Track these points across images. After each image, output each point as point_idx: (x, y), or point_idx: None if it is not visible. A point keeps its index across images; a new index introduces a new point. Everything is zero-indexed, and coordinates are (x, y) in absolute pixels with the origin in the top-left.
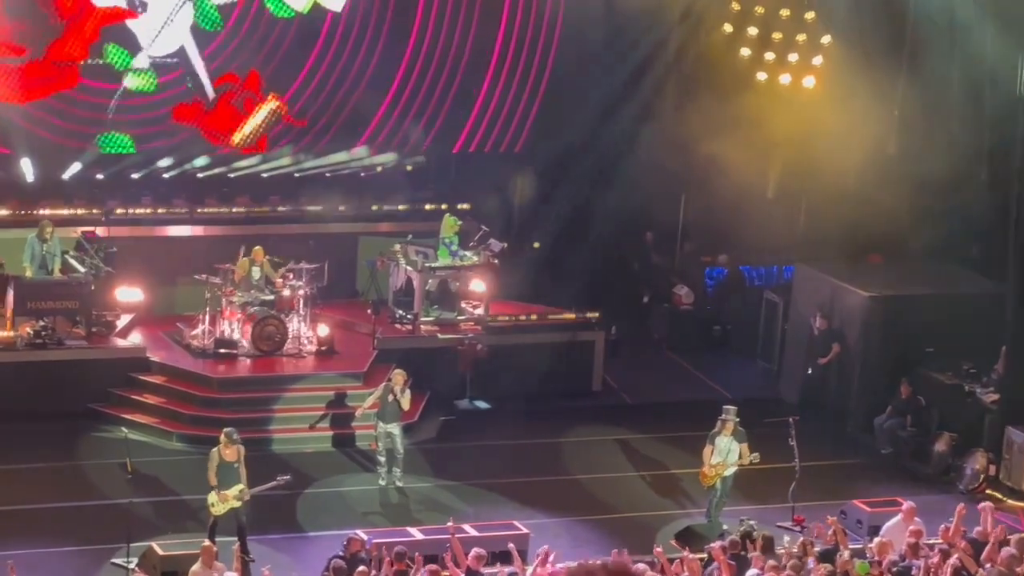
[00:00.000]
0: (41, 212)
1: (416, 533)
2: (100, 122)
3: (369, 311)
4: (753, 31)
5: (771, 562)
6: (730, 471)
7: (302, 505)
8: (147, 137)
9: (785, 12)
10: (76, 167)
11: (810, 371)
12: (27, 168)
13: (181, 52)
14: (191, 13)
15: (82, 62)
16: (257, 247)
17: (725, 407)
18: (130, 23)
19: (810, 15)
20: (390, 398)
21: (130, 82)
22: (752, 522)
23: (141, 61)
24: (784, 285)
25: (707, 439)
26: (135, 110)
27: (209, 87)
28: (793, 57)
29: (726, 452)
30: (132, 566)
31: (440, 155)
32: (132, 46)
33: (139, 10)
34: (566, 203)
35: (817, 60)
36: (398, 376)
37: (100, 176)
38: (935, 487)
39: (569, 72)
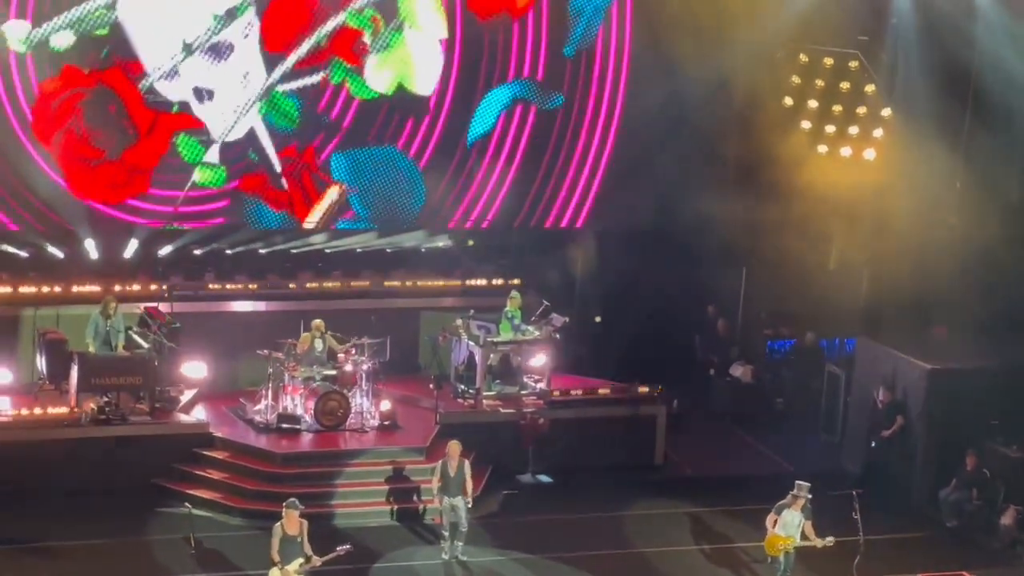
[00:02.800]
0: (105, 288)
1: None
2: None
3: (431, 386)
4: (813, 104)
5: None
6: (795, 545)
7: None
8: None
9: (845, 85)
10: (135, 244)
11: (874, 444)
12: (91, 246)
13: (250, 134)
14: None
15: (154, 168)
16: (317, 320)
17: (798, 483)
18: (202, 115)
19: (870, 88)
20: (451, 472)
21: (199, 176)
22: None
23: (212, 156)
24: (846, 358)
25: (774, 509)
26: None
27: (277, 162)
28: (854, 130)
29: (793, 526)
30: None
31: (502, 230)
32: (202, 135)
33: (205, 100)
34: (627, 277)
35: (878, 132)
36: (453, 447)
37: (163, 253)
38: (1001, 561)
39: (631, 146)
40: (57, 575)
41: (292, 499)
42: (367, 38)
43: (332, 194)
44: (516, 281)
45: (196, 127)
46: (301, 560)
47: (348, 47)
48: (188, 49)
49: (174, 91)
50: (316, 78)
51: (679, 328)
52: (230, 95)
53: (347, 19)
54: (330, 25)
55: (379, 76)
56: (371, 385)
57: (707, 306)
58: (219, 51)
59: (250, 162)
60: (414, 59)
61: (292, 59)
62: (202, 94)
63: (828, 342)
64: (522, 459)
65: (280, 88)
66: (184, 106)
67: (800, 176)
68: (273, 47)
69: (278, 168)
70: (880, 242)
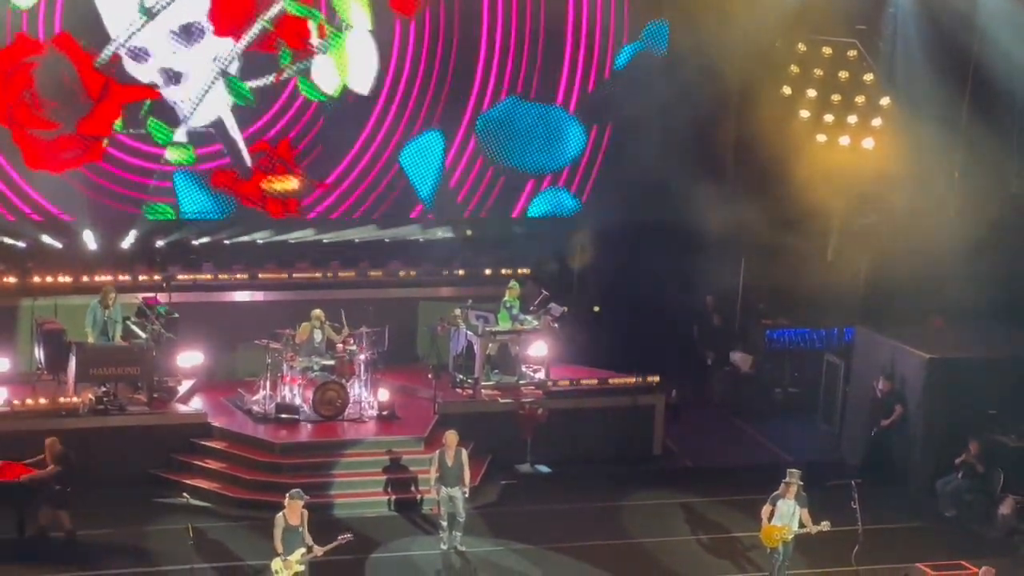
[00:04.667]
0: (103, 279)
1: None
2: (145, 190)
3: (430, 376)
4: (812, 93)
5: None
6: (792, 534)
7: (365, 570)
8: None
9: (844, 74)
10: (133, 234)
11: (873, 433)
12: (89, 237)
13: (218, 123)
14: (225, 90)
15: (106, 138)
16: (316, 310)
17: (789, 470)
18: (169, 96)
19: (869, 77)
20: (449, 462)
21: (170, 155)
22: None
23: (180, 135)
24: (845, 348)
25: (769, 500)
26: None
27: (247, 157)
28: (852, 119)
29: (788, 516)
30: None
31: (500, 220)
32: (172, 118)
33: (172, 83)
34: (626, 267)
35: (876, 122)
36: (451, 437)
37: (160, 243)
38: (1000, 550)
39: (628, 136)
40: (56, 565)
41: (296, 490)
42: (314, 39)
43: (292, 183)
44: (526, 271)
45: (151, 97)
46: (303, 550)
47: (294, 33)
48: (148, 13)
49: (144, 73)
50: (270, 79)
51: (677, 318)
52: (199, 79)
53: (287, 7)
54: (273, 10)
55: (326, 78)
56: (369, 375)
57: (705, 296)
58: (190, 34)
59: (223, 164)
60: (351, 59)
61: (243, 42)
62: (170, 76)
63: (827, 332)
64: (520, 449)
65: (248, 84)
66: (152, 86)
67: (798, 165)
68: (222, 32)
69: (248, 161)
70: (879, 231)
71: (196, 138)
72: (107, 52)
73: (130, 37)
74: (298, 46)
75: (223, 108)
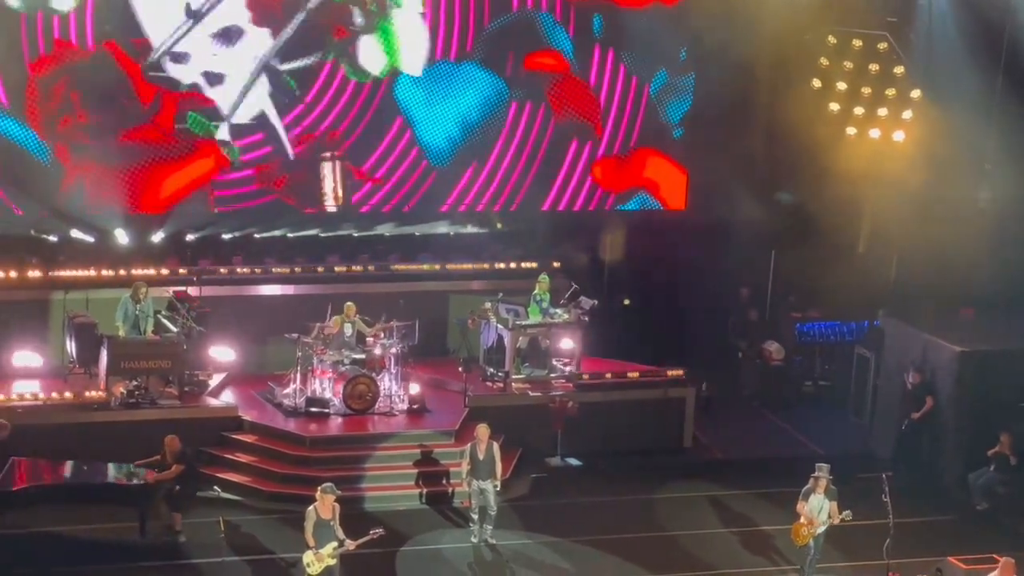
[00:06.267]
0: (134, 273)
1: None
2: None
3: (460, 369)
4: (842, 86)
5: None
6: (821, 529)
7: (396, 563)
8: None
9: (874, 66)
10: (162, 232)
11: (904, 426)
12: (120, 231)
13: (262, 117)
14: (267, 80)
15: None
16: (349, 303)
17: (818, 464)
18: (210, 93)
19: (899, 69)
20: (480, 456)
21: None
22: None
23: (223, 133)
24: (876, 332)
25: (800, 495)
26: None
27: (290, 150)
28: (883, 111)
29: (818, 510)
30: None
31: (530, 213)
32: (211, 112)
33: (216, 84)
34: (656, 260)
35: (907, 114)
36: (482, 431)
37: (191, 237)
38: None
39: (658, 128)
40: (86, 558)
41: (328, 484)
42: (357, 17)
43: (333, 163)
44: (556, 265)
45: (205, 105)
46: (335, 544)
47: (339, 23)
48: (194, 15)
49: (185, 74)
50: (311, 59)
51: (707, 311)
52: (240, 79)
53: None
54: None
55: (371, 58)
56: (400, 368)
57: (740, 289)
58: (229, 36)
59: (265, 154)
60: (400, 40)
61: (286, 33)
62: (212, 78)
63: (857, 324)
64: (551, 442)
65: (282, 68)
66: (195, 88)
67: (829, 158)
68: (260, 22)
69: (291, 154)
70: (909, 224)
71: (237, 133)
72: (153, 57)
73: (176, 42)
74: (339, 35)
75: (264, 100)
